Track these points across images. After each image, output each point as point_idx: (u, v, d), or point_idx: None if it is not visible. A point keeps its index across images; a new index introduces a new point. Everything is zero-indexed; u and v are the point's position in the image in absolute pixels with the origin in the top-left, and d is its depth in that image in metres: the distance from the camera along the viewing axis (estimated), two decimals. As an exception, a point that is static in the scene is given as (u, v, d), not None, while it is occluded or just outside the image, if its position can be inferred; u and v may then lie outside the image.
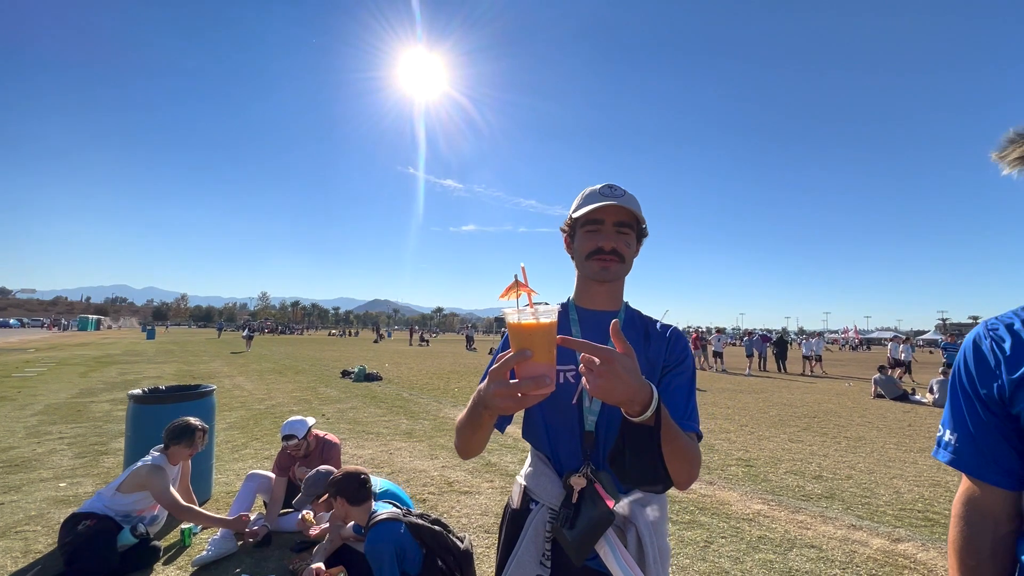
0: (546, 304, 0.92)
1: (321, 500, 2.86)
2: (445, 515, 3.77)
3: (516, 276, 0.91)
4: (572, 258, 1.27)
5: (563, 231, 1.29)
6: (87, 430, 6.29)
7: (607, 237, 1.16)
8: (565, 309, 1.27)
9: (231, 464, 4.96)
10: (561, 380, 1.15)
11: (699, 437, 1.09)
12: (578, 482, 1.09)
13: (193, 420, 3.22)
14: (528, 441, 1.26)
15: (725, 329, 29.77)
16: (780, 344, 19.16)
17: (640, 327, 1.23)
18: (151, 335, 35.28)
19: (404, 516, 2.54)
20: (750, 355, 19.18)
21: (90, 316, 63.88)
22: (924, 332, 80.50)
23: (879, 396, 11.18)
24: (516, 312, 0.86)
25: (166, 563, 2.97)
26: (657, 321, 1.26)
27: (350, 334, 66.99)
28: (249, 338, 25.58)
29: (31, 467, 4.73)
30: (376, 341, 39.62)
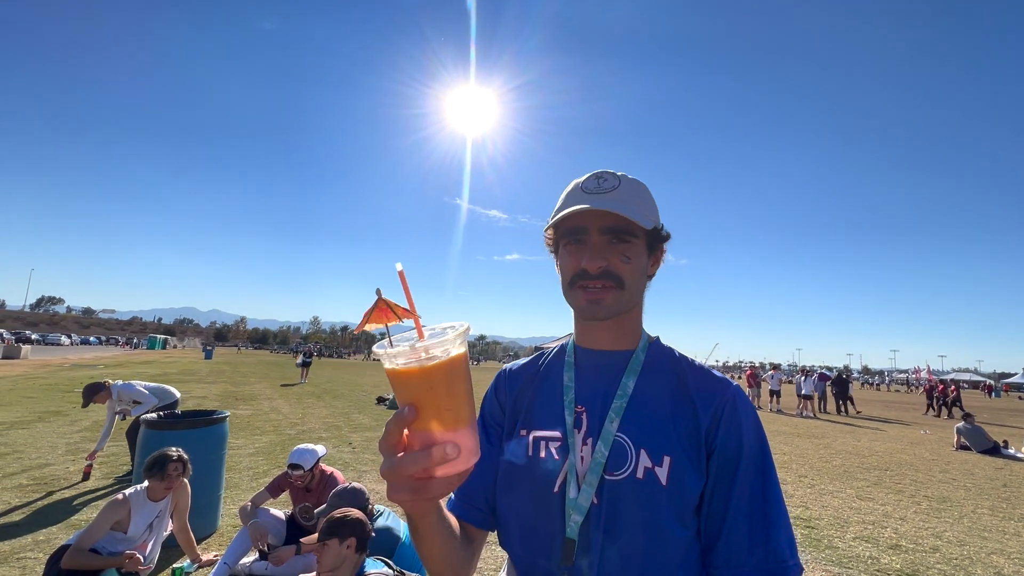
0: (444, 328, 0.55)
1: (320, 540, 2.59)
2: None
3: (378, 292, 0.54)
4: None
5: (548, 245, 0.89)
6: (121, 449, 6.37)
7: (592, 253, 0.77)
8: (562, 350, 0.91)
9: (248, 494, 4.77)
10: (542, 452, 0.78)
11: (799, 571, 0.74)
12: None
13: (171, 451, 3.05)
14: (502, 546, 0.86)
15: (780, 365, 27.83)
16: (840, 383, 17.52)
17: (671, 376, 0.81)
18: (208, 355, 37.08)
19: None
20: (807, 395, 17.62)
21: (158, 336, 68.21)
22: (1010, 375, 72.56)
23: (963, 448, 9.88)
24: (390, 351, 0.51)
25: (152, 606, 2.79)
26: (701, 364, 0.84)
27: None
28: (305, 365, 19.67)
29: (58, 485, 4.77)
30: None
